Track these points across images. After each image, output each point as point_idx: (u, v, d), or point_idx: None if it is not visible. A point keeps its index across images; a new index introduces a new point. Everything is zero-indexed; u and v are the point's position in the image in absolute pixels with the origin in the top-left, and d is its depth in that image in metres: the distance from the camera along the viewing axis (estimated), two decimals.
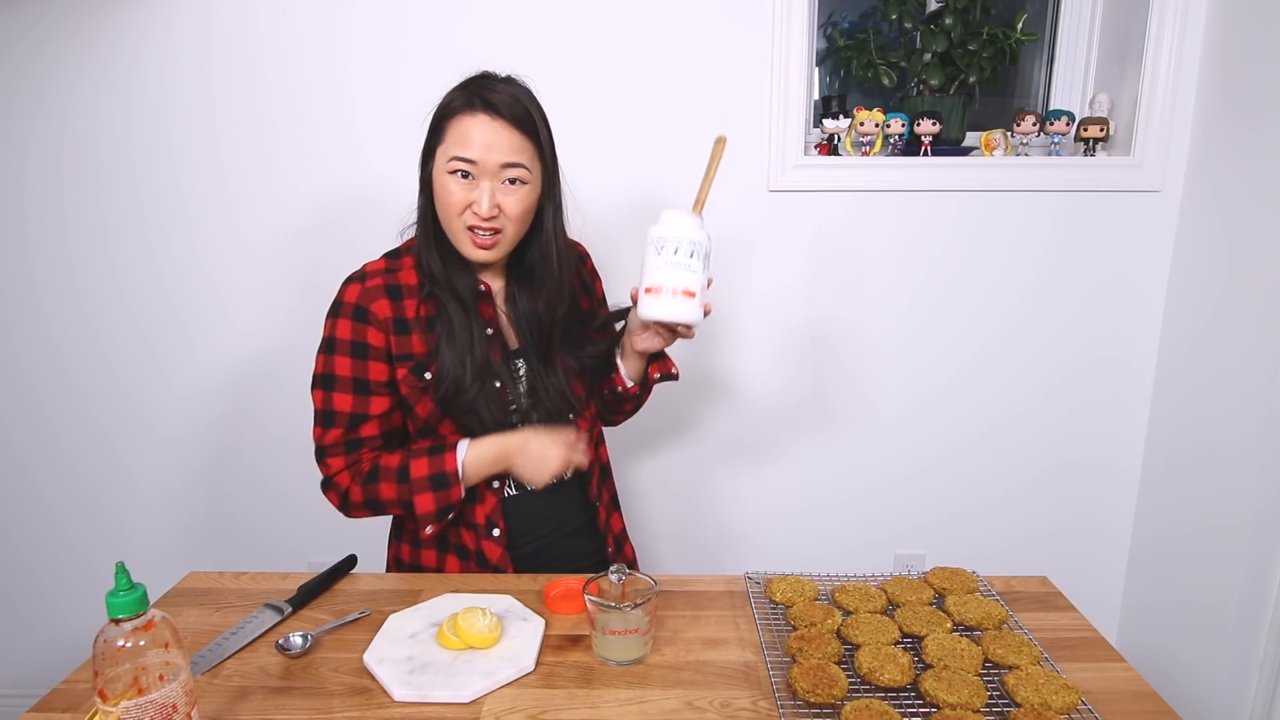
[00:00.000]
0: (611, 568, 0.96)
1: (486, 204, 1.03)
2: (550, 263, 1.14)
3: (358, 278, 1.11)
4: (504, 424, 1.13)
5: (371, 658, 0.91)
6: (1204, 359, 1.60)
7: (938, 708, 0.81)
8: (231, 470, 1.83)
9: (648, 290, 1.05)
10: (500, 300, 1.18)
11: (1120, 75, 1.65)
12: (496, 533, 1.16)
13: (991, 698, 0.82)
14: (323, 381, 1.10)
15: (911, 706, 0.82)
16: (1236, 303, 1.51)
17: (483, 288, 1.13)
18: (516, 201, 1.06)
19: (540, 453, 1.07)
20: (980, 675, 0.86)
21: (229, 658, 0.93)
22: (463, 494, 1.09)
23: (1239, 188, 1.50)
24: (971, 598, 0.99)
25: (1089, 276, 1.70)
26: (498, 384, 1.13)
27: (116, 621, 0.70)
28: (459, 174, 1.04)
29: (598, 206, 1.67)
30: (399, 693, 0.85)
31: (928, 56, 1.68)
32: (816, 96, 1.74)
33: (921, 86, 1.69)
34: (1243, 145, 1.49)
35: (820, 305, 1.72)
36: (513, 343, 1.18)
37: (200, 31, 1.60)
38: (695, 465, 1.80)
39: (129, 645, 0.70)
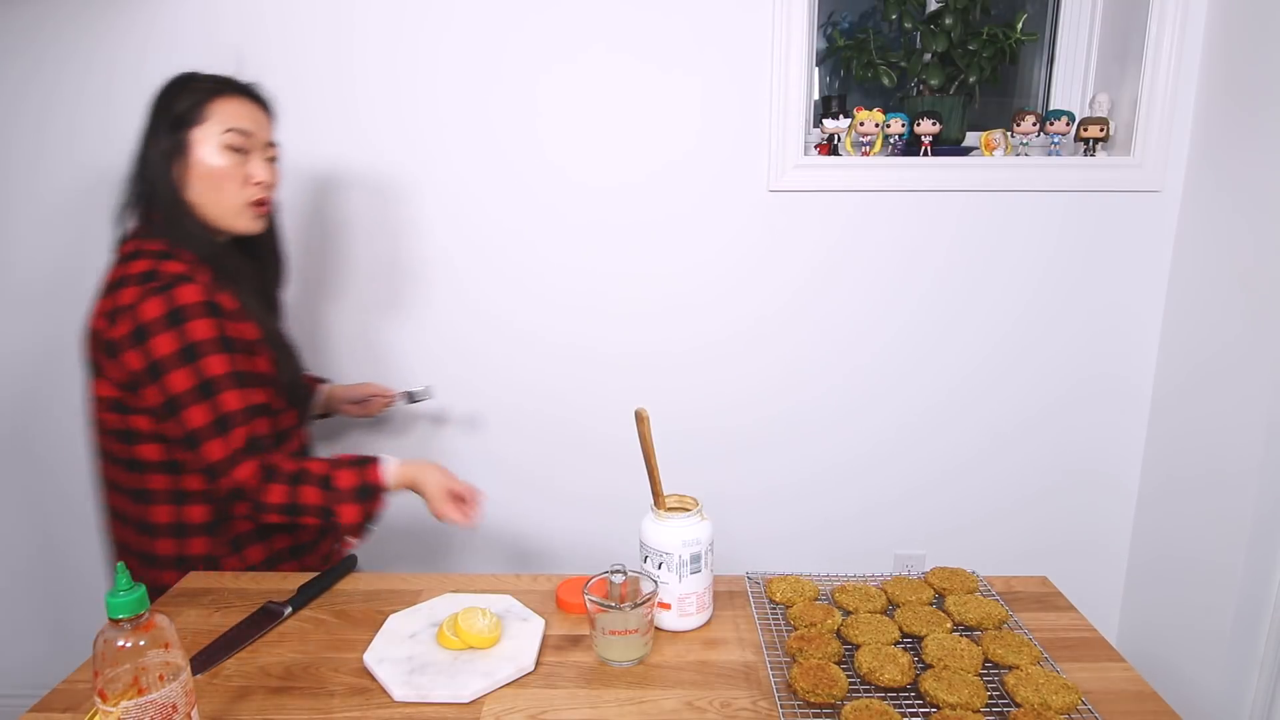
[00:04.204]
0: (612, 568, 0.96)
1: (265, 171, 1.13)
2: (277, 229, 1.28)
3: (180, 279, 1.04)
4: (305, 392, 1.26)
5: (371, 658, 0.91)
6: (1204, 366, 1.59)
7: (938, 708, 0.81)
8: None
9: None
10: None
11: (1120, 75, 1.65)
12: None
13: (991, 698, 0.82)
14: (199, 392, 1.03)
15: (911, 706, 0.82)
16: (1237, 304, 1.51)
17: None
18: (276, 175, 1.18)
19: (442, 483, 1.12)
20: (980, 675, 0.86)
21: (229, 658, 0.93)
22: (385, 507, 1.12)
23: (1239, 188, 1.50)
24: (971, 598, 0.99)
25: (1089, 277, 1.70)
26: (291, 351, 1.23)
27: (116, 622, 0.70)
28: (232, 149, 1.10)
29: (597, 206, 1.67)
30: (399, 693, 0.85)
31: (928, 56, 1.68)
32: (816, 96, 1.74)
33: (921, 86, 1.69)
34: (1243, 145, 1.49)
35: (820, 305, 1.72)
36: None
37: (206, 31, 1.60)
38: (695, 465, 1.80)
39: (129, 645, 0.70)
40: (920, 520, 1.83)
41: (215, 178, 1.09)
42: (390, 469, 1.12)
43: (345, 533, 1.11)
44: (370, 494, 1.09)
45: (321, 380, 1.53)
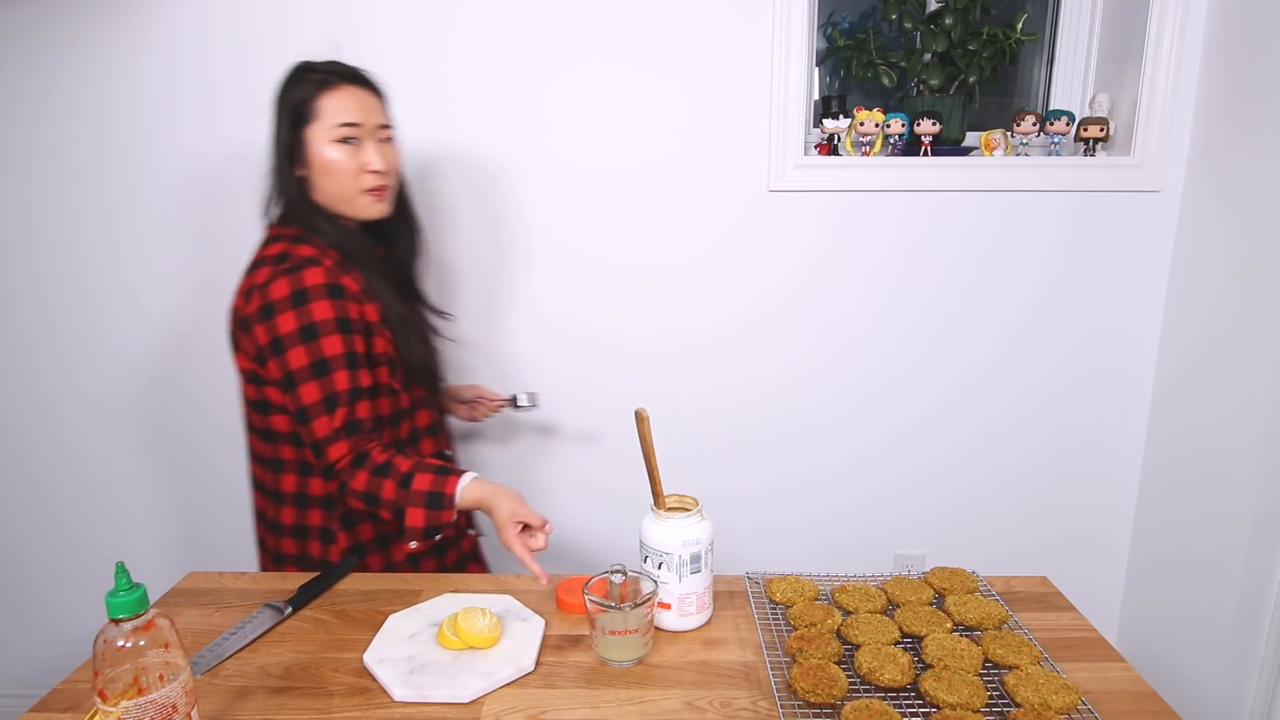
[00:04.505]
0: (612, 568, 0.96)
1: (379, 159, 1.15)
2: (409, 207, 1.29)
3: (308, 262, 1.11)
4: (437, 368, 1.26)
5: (371, 658, 0.91)
6: (1204, 364, 1.59)
7: (938, 708, 0.81)
8: (234, 469, 1.83)
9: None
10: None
11: (1120, 75, 1.65)
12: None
13: (991, 698, 0.83)
14: (313, 370, 1.08)
15: (911, 706, 0.82)
16: (1237, 304, 1.51)
17: (380, 254, 1.23)
18: (394, 154, 1.20)
19: (512, 509, 1.06)
20: (980, 675, 0.86)
21: (229, 658, 0.93)
22: (454, 519, 1.10)
23: (1239, 187, 1.50)
24: (971, 598, 0.99)
25: (1089, 277, 1.70)
26: (422, 329, 1.25)
27: (117, 621, 0.70)
28: (344, 141, 1.13)
29: (598, 207, 1.67)
30: (399, 693, 0.85)
31: (928, 56, 1.68)
32: (816, 96, 1.74)
33: (921, 86, 1.69)
34: (1243, 145, 1.49)
35: (820, 304, 1.72)
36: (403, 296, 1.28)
37: (204, 30, 1.60)
38: (695, 466, 1.80)
39: (129, 645, 0.70)
40: (920, 518, 1.83)
41: (331, 171, 1.14)
42: (466, 485, 1.09)
43: (408, 536, 1.09)
44: (438, 503, 1.08)
45: None
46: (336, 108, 1.12)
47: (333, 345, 1.09)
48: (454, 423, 1.56)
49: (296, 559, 1.21)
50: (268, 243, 1.17)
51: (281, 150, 1.15)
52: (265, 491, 1.22)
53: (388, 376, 1.17)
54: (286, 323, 1.08)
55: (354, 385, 1.10)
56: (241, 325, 1.14)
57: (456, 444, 1.57)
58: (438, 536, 1.11)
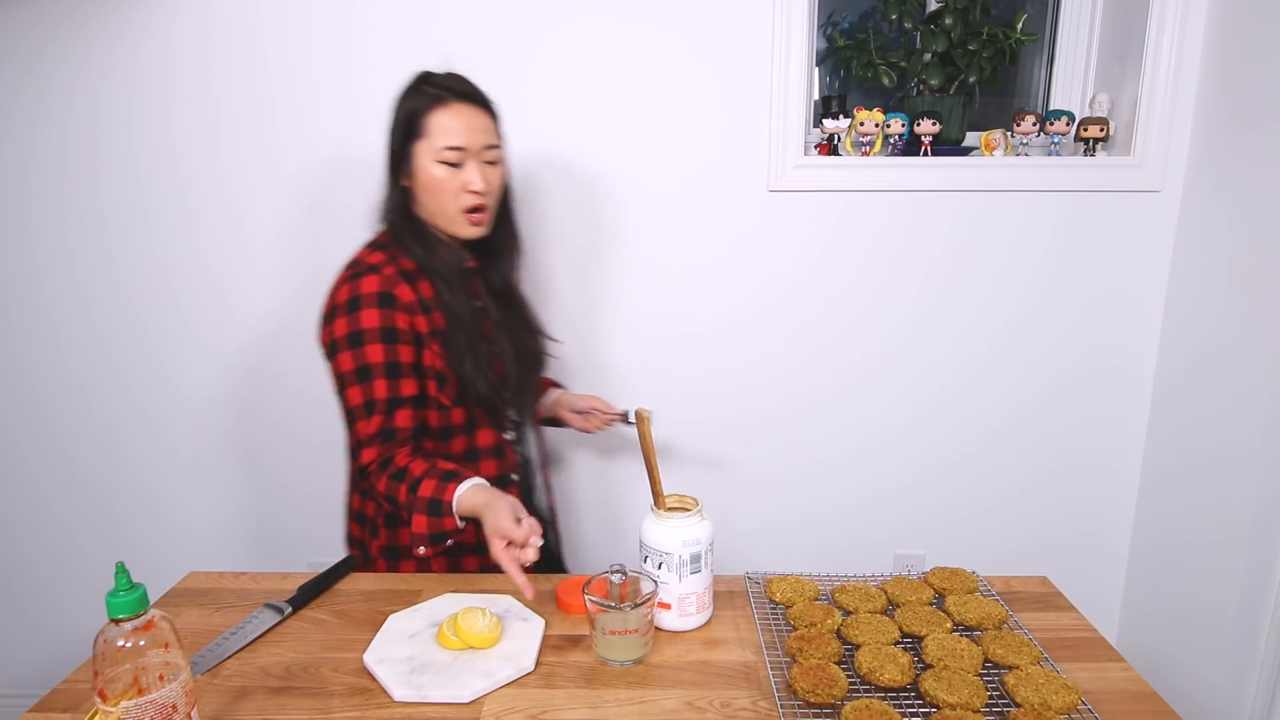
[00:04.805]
0: (612, 568, 0.96)
1: (480, 180, 1.14)
2: (511, 218, 1.27)
3: (370, 270, 1.13)
4: (499, 391, 1.21)
5: (371, 658, 0.91)
6: (1204, 362, 1.60)
7: (938, 708, 0.81)
8: (233, 469, 1.83)
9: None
10: (479, 281, 1.27)
11: (1120, 75, 1.65)
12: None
13: (991, 698, 0.83)
14: (357, 375, 1.11)
15: (911, 706, 0.82)
16: (1237, 304, 1.51)
17: (470, 264, 1.23)
18: (497, 176, 1.18)
19: (495, 523, 1.01)
20: (980, 675, 0.86)
21: (229, 658, 0.93)
22: (458, 526, 1.08)
23: (1239, 188, 1.50)
24: (971, 598, 0.99)
25: (1089, 277, 1.70)
26: (493, 350, 1.22)
27: (117, 621, 0.70)
28: (447, 163, 1.13)
29: (598, 205, 1.67)
30: (399, 693, 0.85)
31: (928, 56, 1.68)
32: (816, 96, 1.74)
33: (921, 86, 1.69)
34: (1243, 145, 1.49)
35: (820, 306, 1.72)
36: (495, 316, 1.27)
37: (201, 29, 1.60)
38: (694, 465, 1.80)
39: (129, 645, 0.70)
40: (920, 515, 1.83)
41: (432, 188, 1.15)
42: (464, 493, 1.07)
43: (415, 542, 1.09)
44: (438, 510, 1.07)
45: (555, 384, 1.50)
46: (444, 128, 1.12)
47: (375, 353, 1.11)
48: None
49: (387, 550, 1.23)
50: (364, 246, 1.20)
51: (391, 159, 1.17)
52: (352, 480, 1.26)
53: (435, 390, 1.17)
54: (340, 328, 1.12)
55: (393, 394, 1.12)
56: (321, 324, 1.18)
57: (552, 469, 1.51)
58: (448, 542, 1.10)
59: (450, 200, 1.14)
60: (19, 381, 1.78)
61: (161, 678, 0.71)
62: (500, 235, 1.26)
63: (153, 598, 0.97)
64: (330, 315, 1.13)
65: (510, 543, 0.99)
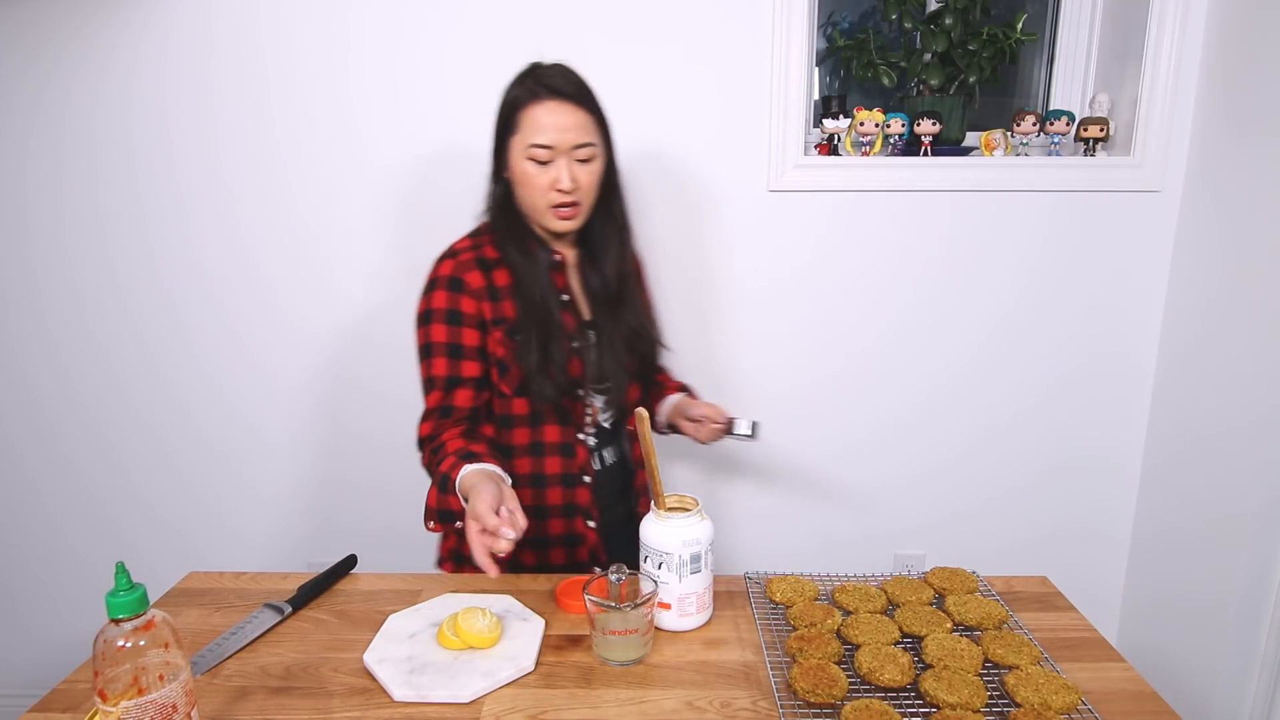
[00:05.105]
0: (611, 568, 0.96)
1: (568, 179, 1.13)
2: (615, 218, 1.24)
3: (450, 255, 1.18)
4: (566, 389, 1.18)
5: (371, 658, 0.91)
6: (1204, 359, 1.60)
7: (938, 708, 0.81)
8: (230, 470, 1.83)
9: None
10: (574, 274, 1.25)
11: (1120, 75, 1.65)
12: (591, 524, 1.23)
13: (991, 698, 0.82)
14: (422, 352, 1.17)
15: (911, 706, 0.82)
16: (1236, 303, 1.51)
17: (557, 257, 1.21)
18: (589, 174, 1.16)
19: (473, 507, 0.96)
20: (980, 675, 0.86)
21: (229, 658, 0.93)
22: (461, 507, 1.04)
23: (1239, 187, 1.50)
24: (971, 598, 0.99)
25: (1089, 276, 1.70)
26: (572, 347, 1.19)
27: (117, 621, 0.70)
28: (536, 161, 1.13)
29: None
30: (399, 693, 0.85)
31: (928, 56, 1.68)
32: (816, 96, 1.74)
33: (921, 86, 1.69)
34: (1243, 145, 1.49)
35: (819, 305, 1.72)
36: (585, 314, 1.25)
37: (199, 30, 1.60)
38: (693, 465, 1.80)
39: (129, 645, 0.70)
40: (920, 510, 1.84)
41: (522, 183, 1.16)
42: (467, 473, 1.04)
43: (426, 515, 1.11)
44: (445, 486, 1.06)
45: (682, 388, 1.40)
46: (534, 125, 1.12)
47: (438, 333, 1.15)
48: None
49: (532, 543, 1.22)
50: (466, 234, 1.23)
51: (494, 151, 1.19)
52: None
53: (497, 378, 1.18)
54: (419, 306, 1.18)
55: (453, 373, 1.15)
56: None
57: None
58: (458, 524, 1.06)
59: (539, 196, 1.15)
60: (16, 383, 1.78)
61: (161, 678, 0.71)
62: (598, 232, 1.23)
63: (151, 599, 0.97)
64: (420, 295, 1.19)
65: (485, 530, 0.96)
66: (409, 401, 1.75)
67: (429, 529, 1.12)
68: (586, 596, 0.92)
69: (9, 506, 1.85)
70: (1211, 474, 1.57)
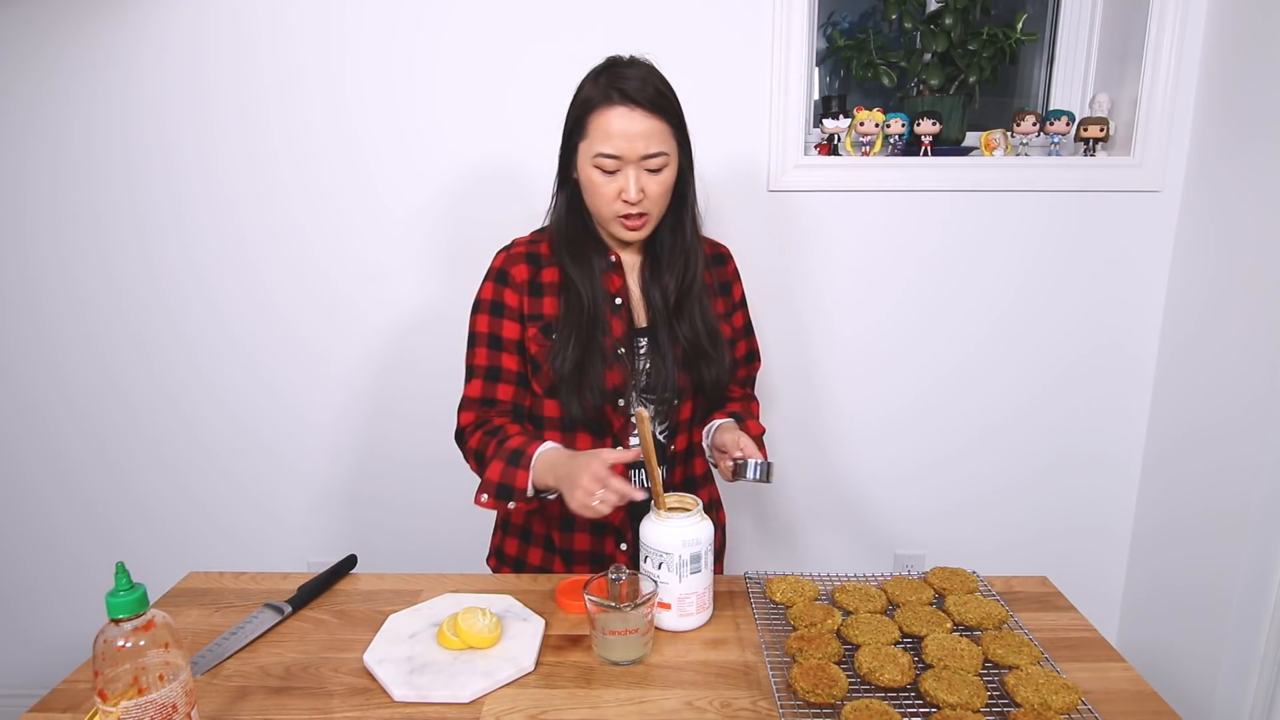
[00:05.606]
0: (611, 568, 0.96)
1: (634, 190, 1.08)
2: (684, 231, 1.18)
3: (505, 248, 1.19)
4: (608, 396, 1.12)
5: (371, 658, 0.91)
6: (1204, 356, 1.60)
7: (938, 708, 0.81)
8: (227, 472, 1.83)
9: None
10: (635, 278, 1.20)
11: (1120, 75, 1.65)
12: (624, 547, 1.20)
13: (991, 698, 0.82)
14: (468, 340, 1.18)
15: (911, 706, 0.82)
16: (1236, 302, 1.51)
17: (613, 258, 1.17)
18: (658, 184, 1.10)
19: (571, 477, 0.98)
20: (980, 675, 0.86)
21: (229, 658, 0.93)
22: (526, 485, 1.03)
23: (1239, 187, 1.50)
24: (971, 598, 0.99)
25: (1088, 277, 1.70)
26: (616, 354, 1.13)
27: (116, 621, 0.70)
28: (602, 170, 1.08)
29: None
30: (399, 693, 0.85)
31: (928, 56, 1.68)
32: (816, 96, 1.74)
33: (921, 86, 1.69)
34: (1243, 145, 1.49)
35: (819, 305, 1.72)
36: (640, 320, 1.18)
37: (197, 30, 1.60)
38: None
39: (129, 645, 0.70)
40: (920, 505, 1.84)
41: (588, 191, 1.12)
42: (544, 451, 1.03)
43: (481, 488, 1.07)
44: (516, 460, 1.05)
45: (736, 413, 1.26)
46: (603, 133, 1.06)
47: (480, 323, 1.16)
48: None
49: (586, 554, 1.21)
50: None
51: (562, 151, 1.14)
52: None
53: (530, 374, 1.18)
54: (476, 295, 1.19)
55: (492, 364, 1.15)
56: None
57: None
58: (511, 505, 1.06)
59: (605, 205, 1.10)
60: (13, 384, 1.78)
61: (161, 678, 0.71)
62: (664, 242, 1.17)
63: (152, 598, 0.97)
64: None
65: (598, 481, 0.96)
66: (408, 402, 1.76)
67: (479, 503, 1.08)
68: (586, 596, 0.92)
69: (6, 508, 1.85)
70: (1211, 469, 1.57)
